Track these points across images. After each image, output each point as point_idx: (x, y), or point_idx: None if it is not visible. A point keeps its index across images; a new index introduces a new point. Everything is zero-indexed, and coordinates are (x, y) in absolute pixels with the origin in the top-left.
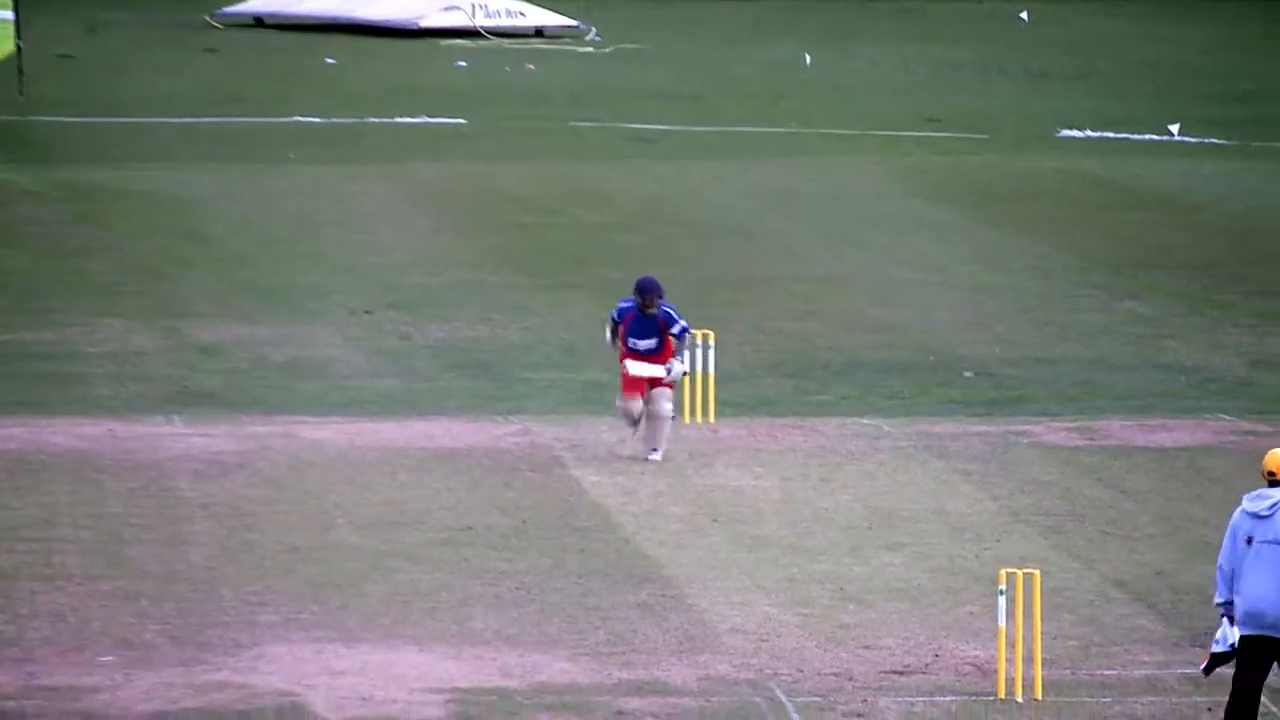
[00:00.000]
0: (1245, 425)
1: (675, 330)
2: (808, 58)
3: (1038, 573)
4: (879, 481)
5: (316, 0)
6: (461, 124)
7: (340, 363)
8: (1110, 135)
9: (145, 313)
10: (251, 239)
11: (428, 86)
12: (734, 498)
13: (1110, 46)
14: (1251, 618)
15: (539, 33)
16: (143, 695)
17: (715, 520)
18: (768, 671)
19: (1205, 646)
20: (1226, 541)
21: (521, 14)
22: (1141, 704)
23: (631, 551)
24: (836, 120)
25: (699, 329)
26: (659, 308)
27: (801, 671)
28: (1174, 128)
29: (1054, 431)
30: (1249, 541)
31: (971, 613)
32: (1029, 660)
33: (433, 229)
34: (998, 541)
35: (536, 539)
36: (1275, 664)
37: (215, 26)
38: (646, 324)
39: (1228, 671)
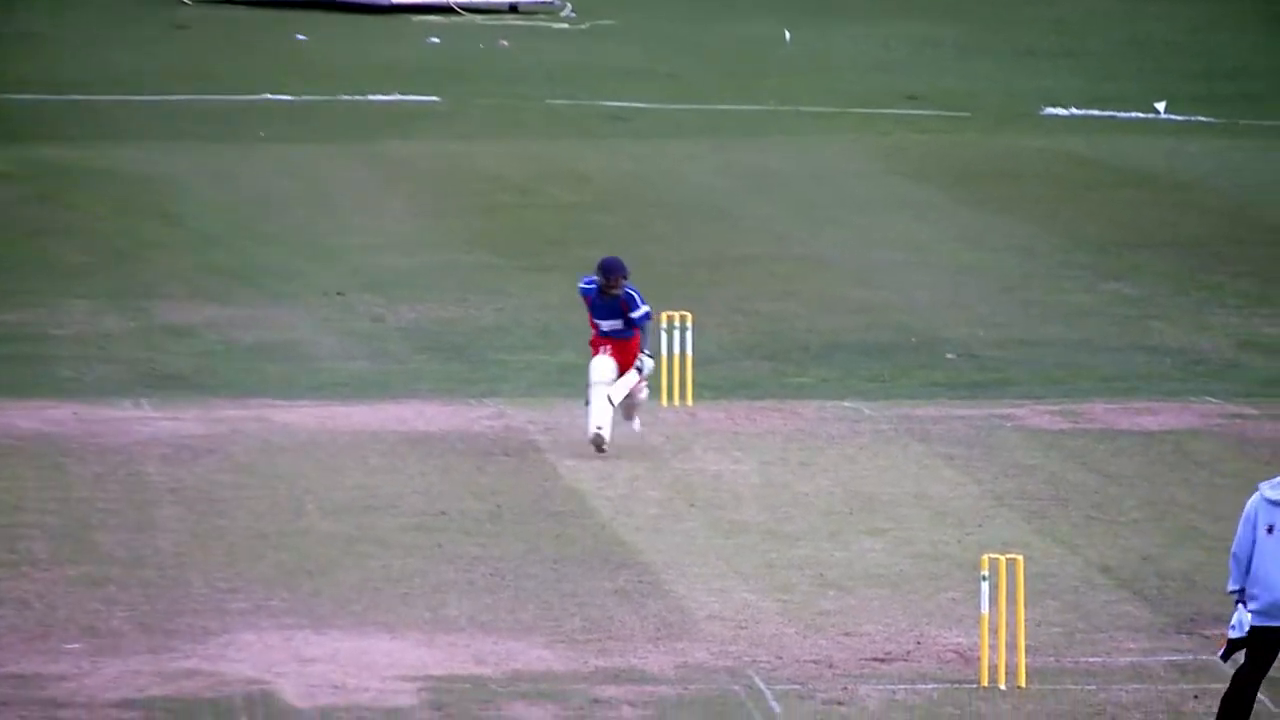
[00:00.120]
0: (1232, 408)
1: (635, 315)
2: (787, 34)
3: (1021, 558)
4: (859, 465)
5: None
6: (435, 102)
7: (312, 345)
8: (1095, 113)
9: (113, 294)
10: (221, 219)
11: (400, 64)
12: (712, 482)
13: (1097, 23)
14: (1274, 608)
15: (513, 8)
16: (110, 683)
17: (693, 505)
18: (746, 659)
19: (1191, 633)
20: (1241, 529)
21: None
22: (1127, 691)
23: (608, 537)
24: (816, 98)
25: (677, 310)
26: (623, 289)
27: (780, 659)
28: (1160, 105)
29: (1038, 414)
30: (1270, 530)
31: (954, 599)
32: (1012, 647)
33: (406, 209)
34: (980, 526)
35: (511, 524)
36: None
37: (185, 3)
38: (610, 305)
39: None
